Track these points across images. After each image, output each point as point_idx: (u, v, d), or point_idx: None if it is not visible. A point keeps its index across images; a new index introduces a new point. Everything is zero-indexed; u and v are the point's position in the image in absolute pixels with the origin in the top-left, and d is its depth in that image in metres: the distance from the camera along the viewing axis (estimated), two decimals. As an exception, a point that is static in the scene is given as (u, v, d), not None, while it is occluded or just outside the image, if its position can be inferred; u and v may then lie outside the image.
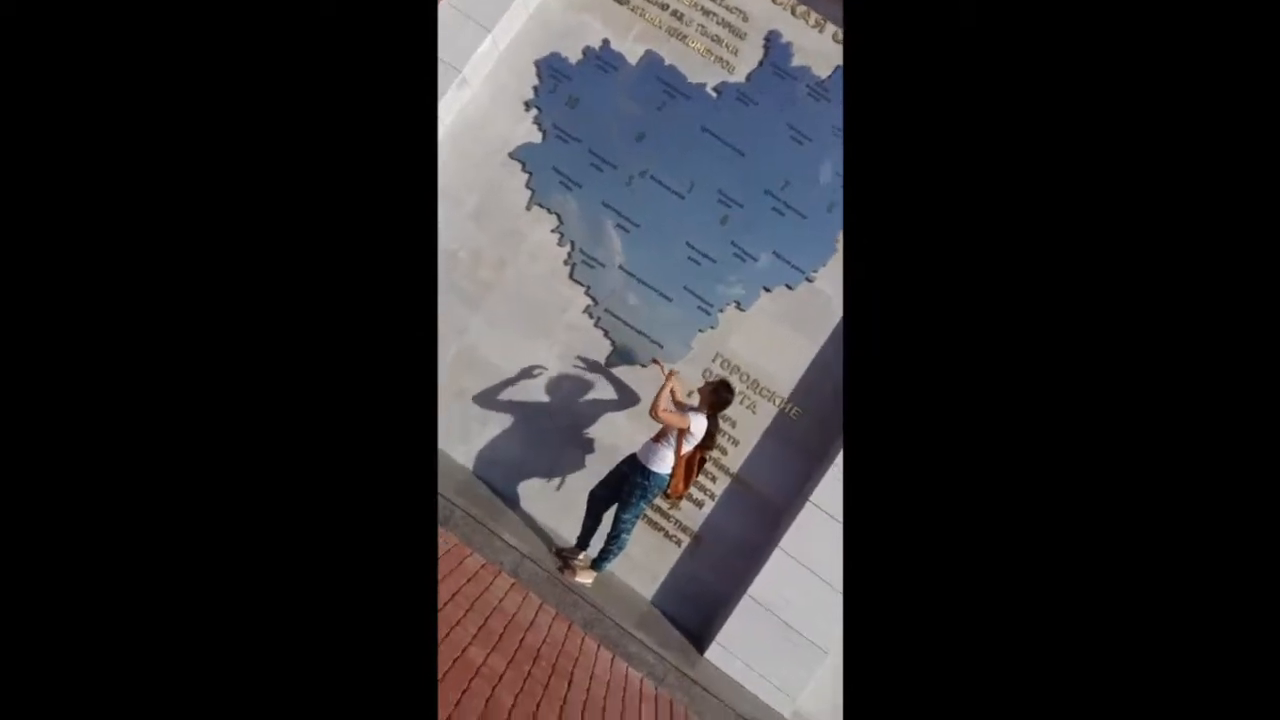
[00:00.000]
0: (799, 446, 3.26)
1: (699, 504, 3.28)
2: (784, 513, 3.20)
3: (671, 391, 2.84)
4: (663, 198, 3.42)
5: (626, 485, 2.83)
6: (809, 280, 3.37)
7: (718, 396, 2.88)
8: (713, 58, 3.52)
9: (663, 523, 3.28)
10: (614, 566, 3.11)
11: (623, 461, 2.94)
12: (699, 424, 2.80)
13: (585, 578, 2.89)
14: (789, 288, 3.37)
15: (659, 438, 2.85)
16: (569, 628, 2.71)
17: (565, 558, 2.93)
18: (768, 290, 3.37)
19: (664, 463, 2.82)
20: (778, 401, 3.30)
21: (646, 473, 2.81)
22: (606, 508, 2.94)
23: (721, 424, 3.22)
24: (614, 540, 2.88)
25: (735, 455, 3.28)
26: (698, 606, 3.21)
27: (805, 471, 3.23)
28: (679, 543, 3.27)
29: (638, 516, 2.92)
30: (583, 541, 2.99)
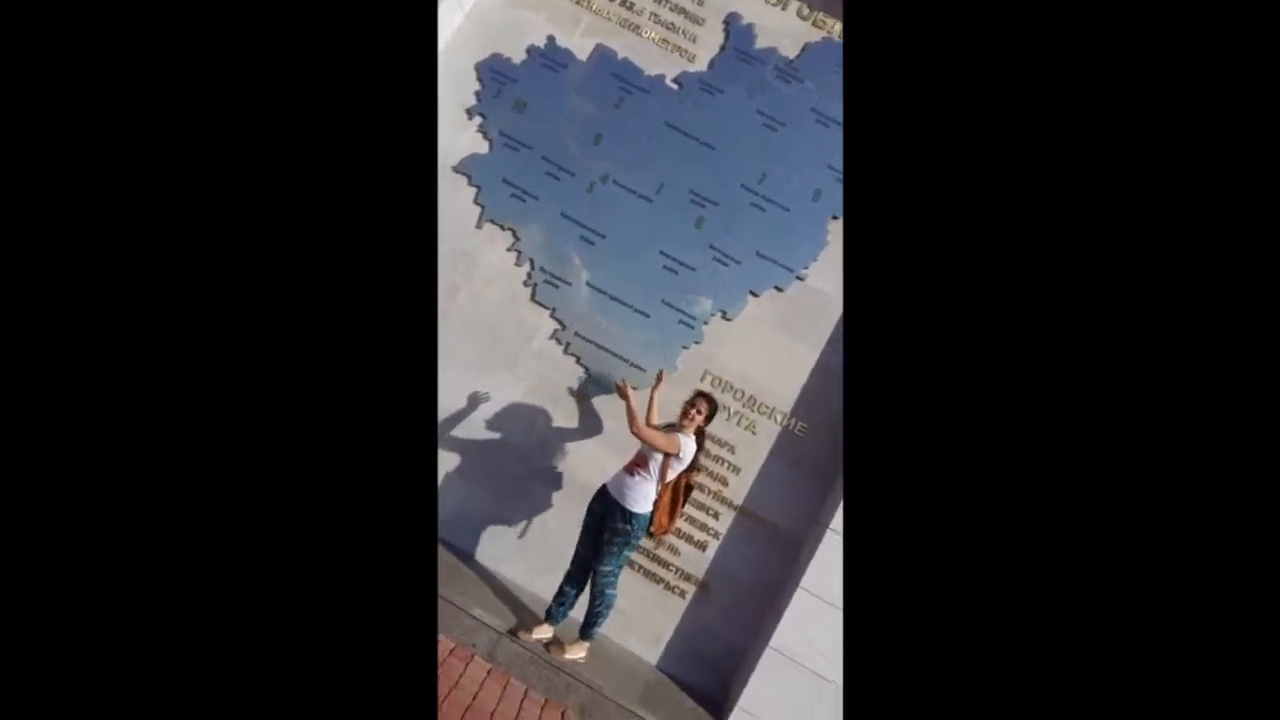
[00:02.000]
0: (809, 466, 2.87)
1: (702, 546, 2.86)
2: (801, 544, 2.80)
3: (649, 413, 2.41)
4: (629, 203, 3.08)
5: (606, 532, 2.38)
6: (800, 279, 3.02)
7: (699, 410, 2.45)
8: (670, 47, 3.23)
9: (661, 572, 2.85)
10: (608, 630, 2.67)
11: (593, 500, 2.47)
12: (687, 447, 2.39)
13: (576, 652, 2.44)
14: (779, 289, 3.02)
15: (635, 467, 2.39)
16: (562, 717, 2.26)
17: (547, 643, 2.46)
18: (755, 294, 3.01)
19: (646, 499, 2.38)
20: (779, 418, 2.92)
21: (627, 514, 2.36)
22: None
23: (709, 445, 2.84)
24: (599, 599, 2.42)
25: (737, 484, 2.88)
26: (713, 666, 2.77)
27: (819, 494, 2.84)
28: (683, 594, 2.84)
29: (621, 567, 2.45)
30: (553, 612, 2.51)
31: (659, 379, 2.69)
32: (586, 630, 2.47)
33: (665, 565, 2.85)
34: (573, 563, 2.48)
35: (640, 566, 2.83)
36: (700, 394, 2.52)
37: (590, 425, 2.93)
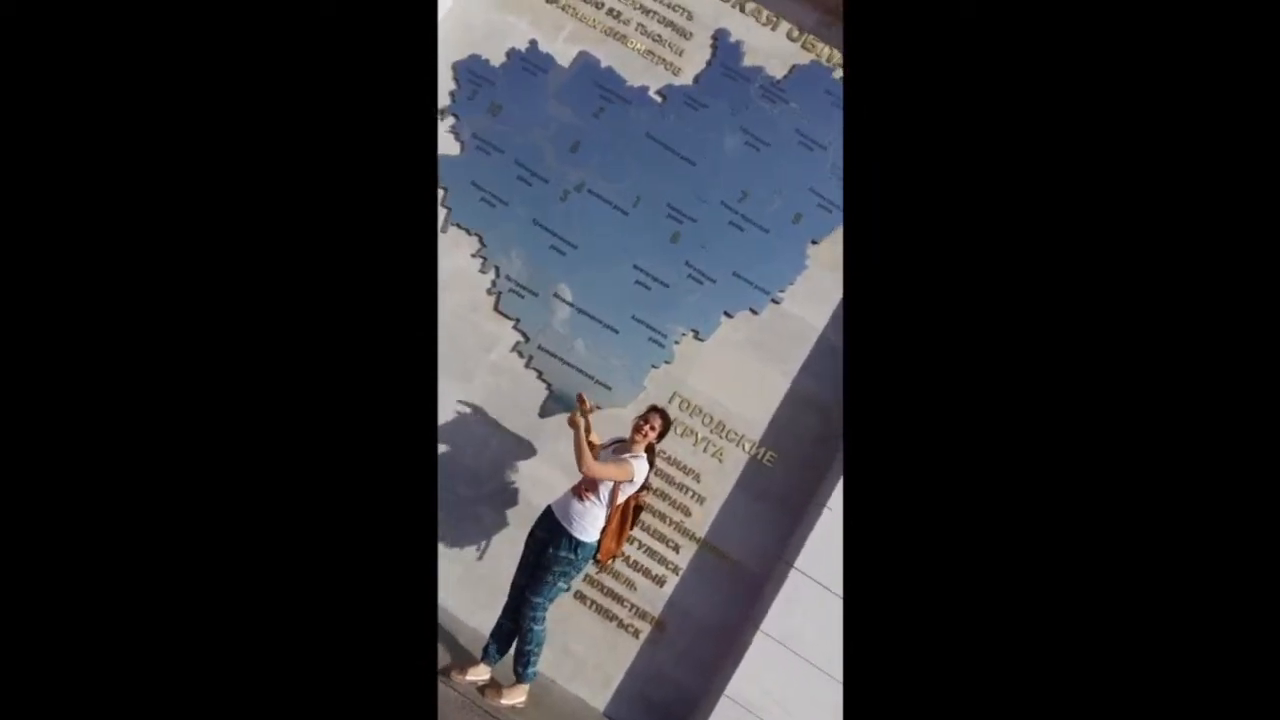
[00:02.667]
0: (777, 500, 2.71)
1: (660, 581, 2.67)
2: (764, 583, 2.63)
3: (585, 433, 2.15)
4: (603, 214, 2.96)
5: (544, 559, 2.17)
6: (775, 302, 2.90)
7: (652, 427, 2.25)
8: (655, 59, 3.14)
9: (615, 609, 2.66)
10: (552, 672, 2.46)
11: (537, 524, 2.26)
12: (640, 470, 2.20)
13: (514, 696, 2.23)
14: (754, 312, 2.89)
15: (585, 492, 2.19)
16: (491, 769, 2.05)
17: (482, 686, 2.25)
18: (729, 316, 2.89)
19: (595, 527, 2.18)
20: (747, 446, 2.77)
21: (573, 542, 2.16)
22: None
23: (672, 471, 2.69)
24: (529, 637, 2.20)
25: (701, 515, 2.71)
26: (665, 714, 2.57)
27: (785, 529, 2.68)
28: (636, 633, 2.65)
29: (552, 600, 2.23)
30: (489, 650, 2.29)
31: (581, 403, 2.26)
32: (520, 671, 2.25)
33: (620, 601, 2.66)
34: (510, 594, 2.28)
35: (593, 602, 2.64)
36: (654, 409, 2.35)
37: (549, 447, 2.75)
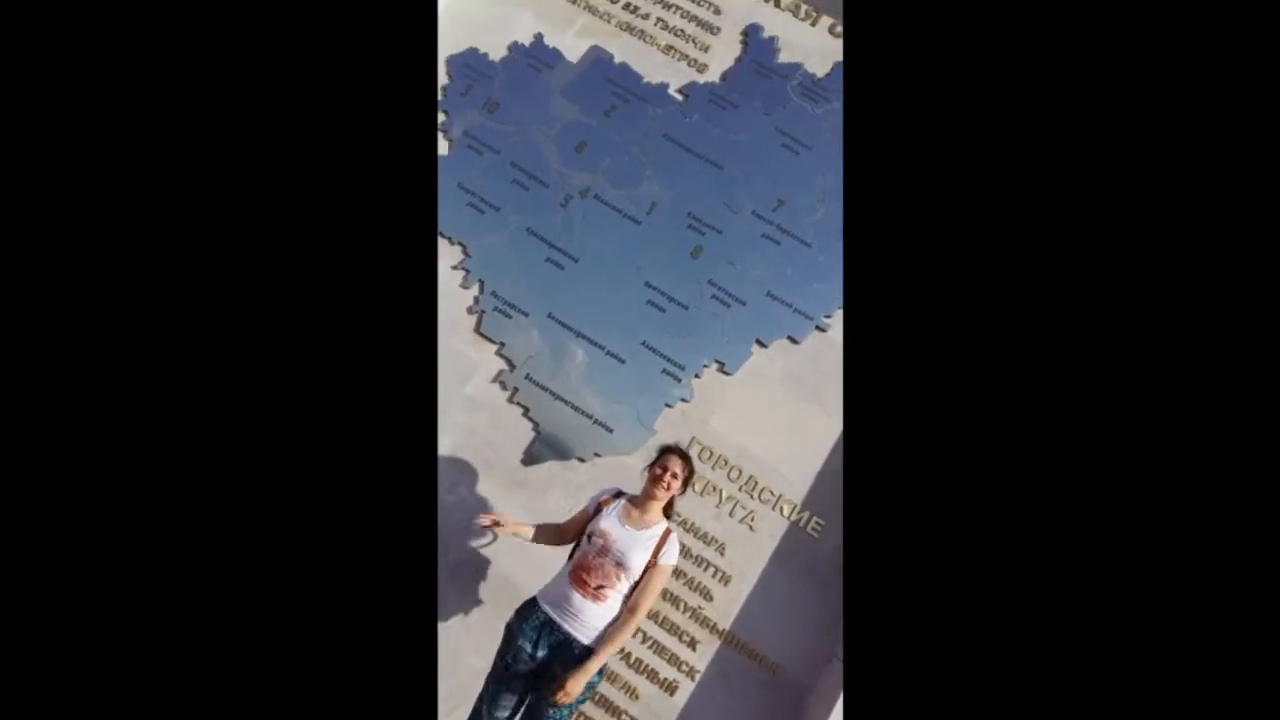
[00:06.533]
0: (824, 580, 2.12)
1: (670, 688, 2.06)
2: (807, 694, 2.01)
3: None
4: (611, 223, 2.54)
5: (550, 685, 1.61)
6: (820, 329, 2.40)
7: (675, 474, 1.74)
8: (677, 55, 2.81)
9: (609, 726, 2.04)
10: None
11: (532, 641, 1.65)
12: (673, 549, 1.72)
13: None
14: (793, 340, 2.39)
15: (599, 589, 1.63)
16: None
17: None
18: (762, 345, 2.39)
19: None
20: (786, 509, 2.20)
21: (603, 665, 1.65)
22: None
23: (686, 539, 2.13)
24: None
25: (725, 600, 2.12)
26: None
27: (837, 619, 2.07)
28: (638, 760, 2.02)
29: None
30: None
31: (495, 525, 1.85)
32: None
33: (617, 715, 2.04)
34: (485, 713, 1.70)
35: (581, 714, 2.03)
36: (671, 450, 1.80)
37: (536, 503, 2.20)
